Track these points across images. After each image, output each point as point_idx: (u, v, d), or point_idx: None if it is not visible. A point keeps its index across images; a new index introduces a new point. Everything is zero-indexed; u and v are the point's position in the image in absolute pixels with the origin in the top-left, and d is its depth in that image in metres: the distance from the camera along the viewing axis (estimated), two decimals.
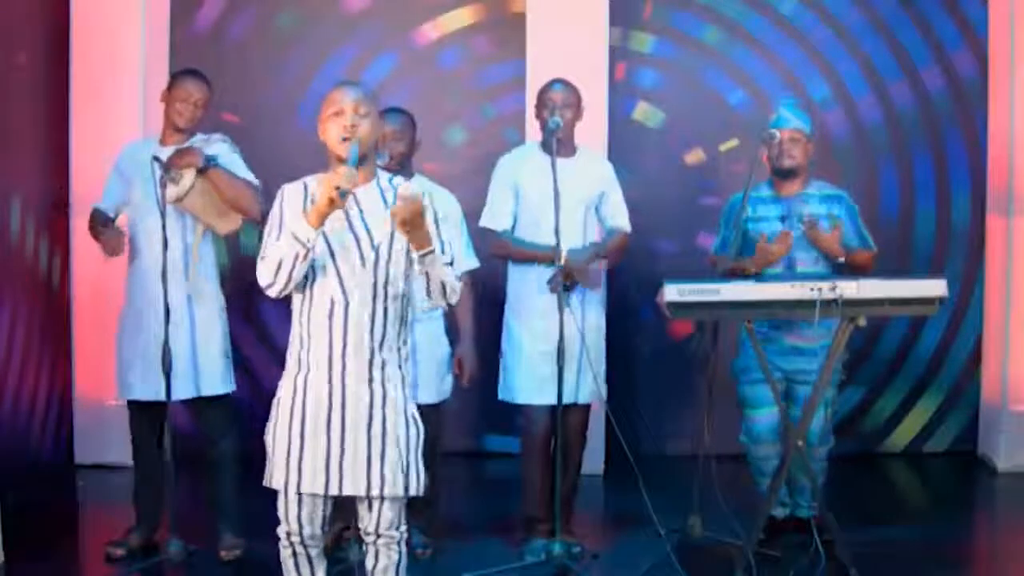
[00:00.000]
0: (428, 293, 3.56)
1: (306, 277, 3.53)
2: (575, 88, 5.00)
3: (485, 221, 5.03)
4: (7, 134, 5.57)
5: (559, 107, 4.90)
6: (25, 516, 5.06)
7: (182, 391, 4.82)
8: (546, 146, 4.90)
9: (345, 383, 3.54)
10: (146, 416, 4.90)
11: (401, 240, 3.53)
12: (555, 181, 4.70)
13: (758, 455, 5.14)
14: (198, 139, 4.86)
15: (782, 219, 5.04)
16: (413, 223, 3.41)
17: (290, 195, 3.60)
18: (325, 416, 3.54)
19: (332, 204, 3.38)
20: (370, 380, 3.55)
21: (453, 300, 3.61)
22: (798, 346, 4.97)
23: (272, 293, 3.51)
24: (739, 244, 4.96)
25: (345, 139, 3.51)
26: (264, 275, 3.49)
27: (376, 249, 3.54)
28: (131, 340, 4.89)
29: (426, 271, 3.51)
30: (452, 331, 5.01)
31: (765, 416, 5.02)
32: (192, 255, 4.84)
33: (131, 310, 4.91)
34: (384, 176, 3.65)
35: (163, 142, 4.89)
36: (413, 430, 3.61)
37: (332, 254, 3.53)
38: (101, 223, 4.87)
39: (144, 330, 4.83)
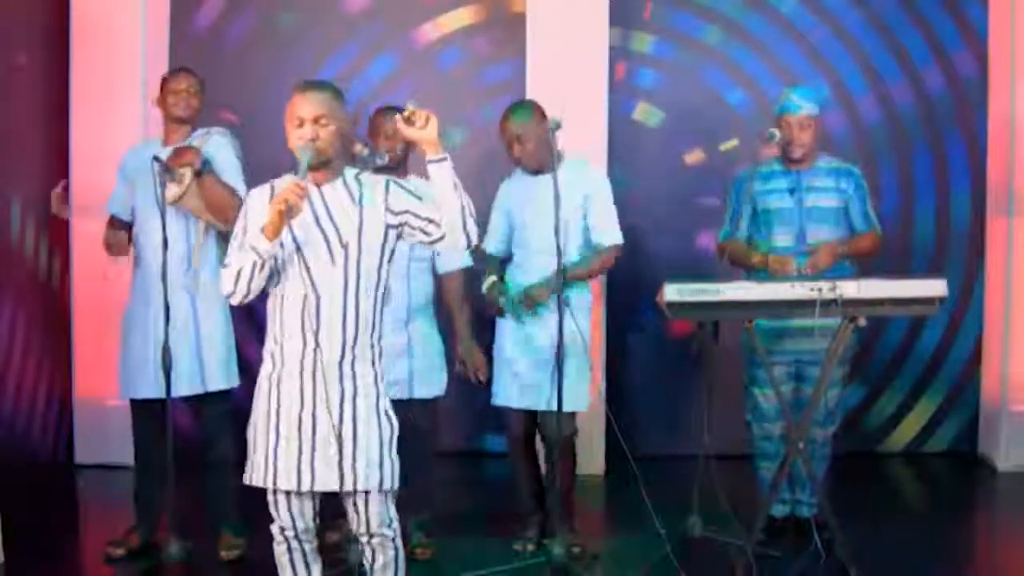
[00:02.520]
0: (438, 222, 3.54)
1: (278, 273, 3.57)
2: (531, 107, 4.92)
3: (483, 243, 5.11)
4: (7, 134, 5.58)
5: (516, 137, 4.85)
6: (25, 516, 5.06)
7: (186, 387, 4.84)
8: (519, 162, 4.92)
9: (316, 380, 3.57)
10: (148, 415, 4.90)
11: (372, 233, 3.58)
12: (555, 183, 4.67)
13: (763, 434, 5.15)
14: (198, 133, 4.90)
15: (791, 191, 5.06)
16: (428, 123, 3.43)
17: (254, 201, 3.65)
18: (297, 413, 3.58)
19: (282, 217, 3.42)
20: (341, 377, 3.58)
21: (473, 232, 3.58)
22: (806, 327, 4.93)
23: (234, 301, 3.58)
24: (748, 218, 5.05)
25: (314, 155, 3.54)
26: (226, 283, 3.55)
27: (345, 247, 3.57)
28: (135, 339, 4.90)
29: (441, 188, 3.50)
30: (444, 328, 5.04)
31: (774, 396, 5.00)
32: (195, 253, 4.85)
33: (135, 310, 4.93)
34: (350, 173, 3.67)
35: (166, 142, 4.92)
36: (386, 425, 3.63)
37: (301, 253, 3.56)
38: (117, 229, 4.93)
39: (148, 329, 4.84)
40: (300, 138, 3.55)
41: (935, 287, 4.52)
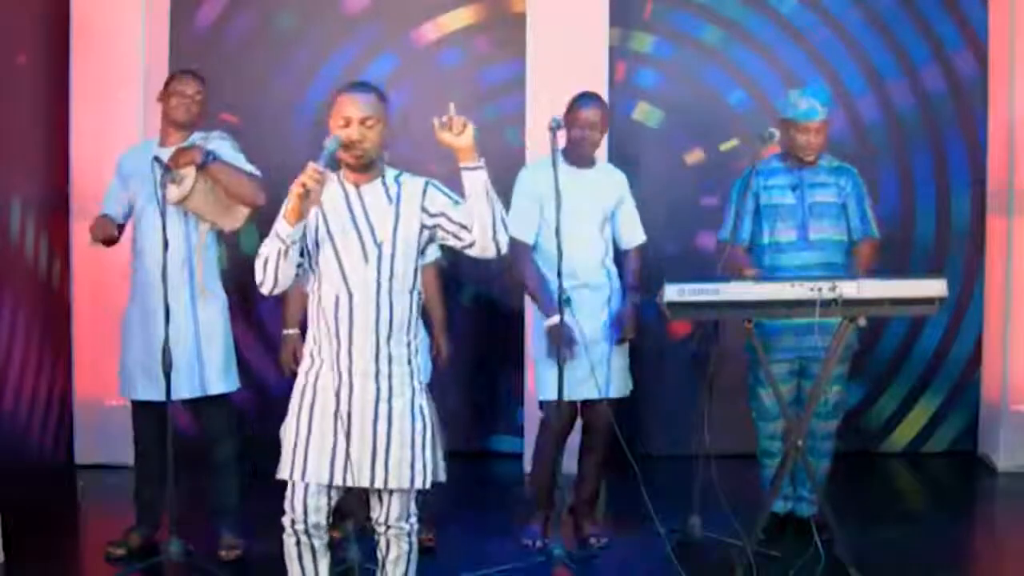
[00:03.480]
0: (470, 227, 3.53)
1: (315, 272, 3.59)
2: (603, 102, 5.08)
3: (512, 231, 5.01)
4: (7, 134, 5.57)
5: (591, 124, 4.95)
6: (25, 516, 5.06)
7: (186, 390, 4.83)
8: (567, 154, 4.96)
9: (352, 378, 3.60)
10: (150, 416, 4.90)
11: (407, 233, 3.60)
12: (556, 181, 4.70)
13: (767, 434, 5.16)
14: (197, 137, 4.88)
15: (793, 188, 5.09)
16: (465, 130, 3.43)
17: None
18: (332, 409, 3.60)
19: (301, 200, 3.43)
20: (376, 375, 3.61)
21: (503, 242, 3.56)
22: (810, 324, 4.83)
23: (264, 290, 3.59)
24: (751, 217, 5.08)
25: (357, 156, 3.56)
26: (258, 272, 3.58)
27: (379, 246, 3.58)
28: (136, 340, 4.90)
29: (474, 196, 3.49)
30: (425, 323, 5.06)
31: (771, 396, 5.01)
32: (196, 255, 4.85)
33: (135, 310, 4.92)
34: (391, 174, 3.69)
35: (163, 143, 4.90)
36: (420, 423, 3.66)
37: (336, 251, 3.58)
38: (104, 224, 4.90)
39: (148, 330, 4.84)
40: (347, 140, 3.56)
41: (935, 287, 4.52)
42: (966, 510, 6.02)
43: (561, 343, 4.80)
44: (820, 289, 4.46)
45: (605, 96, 6.15)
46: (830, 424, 5.16)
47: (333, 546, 3.86)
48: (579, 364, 4.92)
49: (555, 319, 4.86)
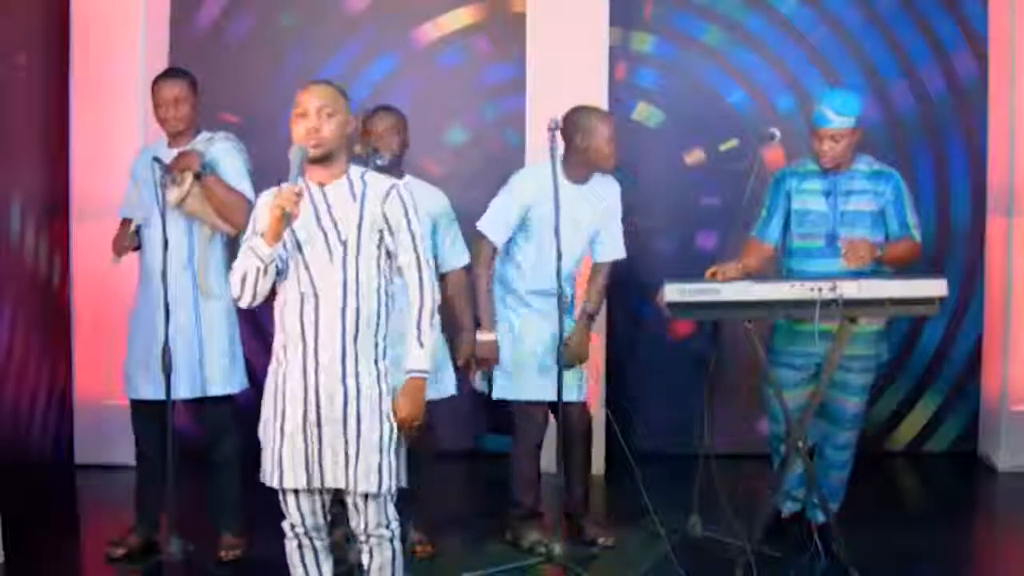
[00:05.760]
0: (404, 268, 3.70)
1: (279, 273, 3.59)
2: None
3: (483, 225, 4.97)
4: (7, 134, 5.57)
5: (614, 140, 4.92)
6: (25, 516, 5.06)
7: (187, 391, 4.83)
8: (569, 167, 4.91)
9: (319, 379, 3.57)
10: (149, 415, 4.90)
11: (371, 231, 3.59)
12: (555, 182, 4.67)
13: (775, 434, 5.14)
14: (202, 137, 4.88)
15: (826, 194, 4.95)
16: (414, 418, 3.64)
17: (262, 203, 3.64)
18: (301, 412, 3.59)
19: (279, 223, 3.46)
20: (343, 376, 3.58)
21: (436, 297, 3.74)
22: (826, 330, 4.68)
23: (242, 304, 3.60)
24: (784, 219, 4.99)
25: (315, 145, 3.55)
26: (234, 287, 3.58)
27: (344, 244, 3.57)
28: (140, 340, 4.90)
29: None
30: (448, 326, 5.02)
31: (788, 399, 4.89)
32: (199, 255, 4.84)
33: (140, 310, 4.93)
34: (356, 171, 3.66)
35: (170, 145, 4.90)
36: (387, 426, 3.63)
37: (301, 250, 3.57)
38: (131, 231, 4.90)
39: (152, 330, 4.83)
40: (305, 129, 3.55)
41: (935, 287, 4.52)
42: (966, 510, 6.01)
43: (489, 360, 4.92)
44: (820, 289, 4.45)
45: (605, 96, 6.19)
46: (848, 434, 5.08)
47: (337, 548, 3.86)
48: (529, 367, 4.94)
49: (491, 336, 4.93)
